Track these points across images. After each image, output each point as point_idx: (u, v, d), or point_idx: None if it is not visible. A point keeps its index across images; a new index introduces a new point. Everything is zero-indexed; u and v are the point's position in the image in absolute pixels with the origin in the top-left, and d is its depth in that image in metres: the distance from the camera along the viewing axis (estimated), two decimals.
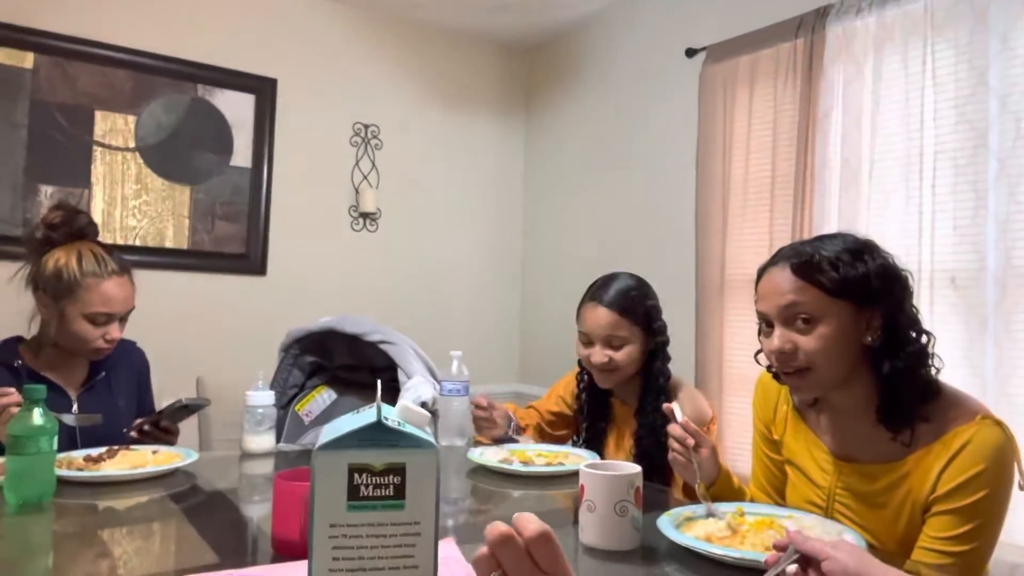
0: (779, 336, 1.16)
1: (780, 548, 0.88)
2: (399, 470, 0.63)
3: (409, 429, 0.65)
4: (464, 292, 3.65)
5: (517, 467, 1.51)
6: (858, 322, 1.14)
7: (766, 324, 1.21)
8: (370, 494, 0.63)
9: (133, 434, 1.67)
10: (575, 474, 1.53)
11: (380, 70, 3.40)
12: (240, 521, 1.28)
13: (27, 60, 2.58)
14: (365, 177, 3.36)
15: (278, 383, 2.23)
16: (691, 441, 1.27)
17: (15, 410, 1.42)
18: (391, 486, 0.63)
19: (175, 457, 1.49)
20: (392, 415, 0.66)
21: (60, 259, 1.66)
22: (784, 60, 2.50)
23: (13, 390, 1.45)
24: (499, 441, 1.76)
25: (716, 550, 1.00)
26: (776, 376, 1.26)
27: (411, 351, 2.19)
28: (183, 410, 1.71)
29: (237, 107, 2.99)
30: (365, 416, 0.67)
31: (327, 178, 3.27)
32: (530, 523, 0.61)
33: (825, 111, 2.36)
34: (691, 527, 1.12)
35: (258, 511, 1.37)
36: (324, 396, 2.35)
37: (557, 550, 0.61)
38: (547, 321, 3.65)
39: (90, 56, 2.68)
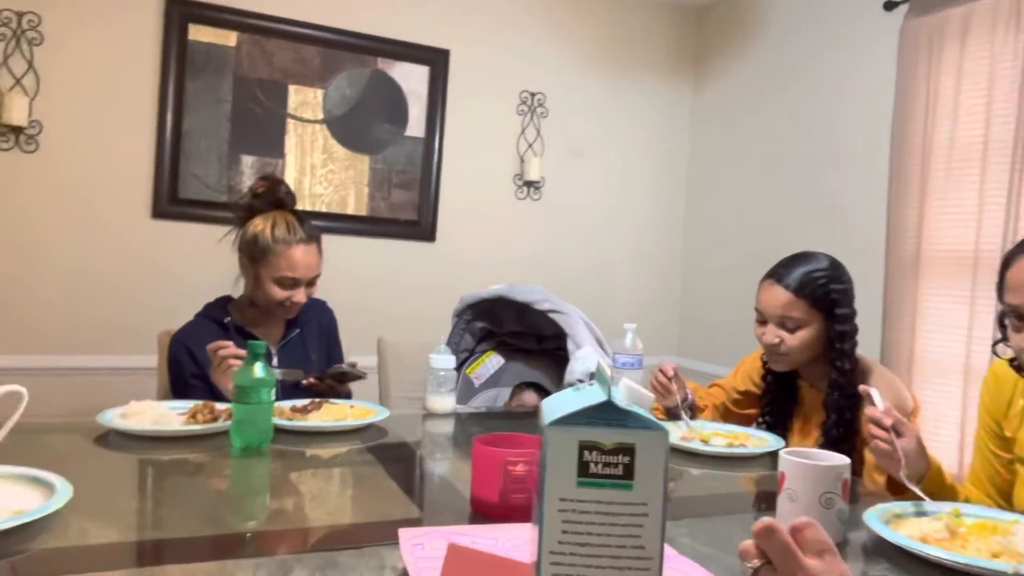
0: None
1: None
2: (628, 450, 0.63)
3: (638, 410, 0.64)
4: (625, 262, 3.61)
5: (697, 446, 1.48)
6: None
7: (1016, 318, 1.09)
8: (599, 472, 0.63)
9: (304, 383, 1.79)
10: (757, 458, 1.49)
11: (547, 37, 3.38)
12: (433, 477, 1.35)
13: (231, 39, 2.81)
14: (530, 145, 3.38)
15: (451, 346, 2.30)
16: (888, 421, 1.18)
17: (234, 362, 1.58)
18: (620, 465, 0.63)
19: (370, 412, 1.60)
20: (619, 395, 0.66)
21: (258, 226, 1.81)
22: (1004, 11, 2.21)
23: (231, 343, 1.61)
24: (669, 412, 1.72)
25: (936, 553, 0.93)
26: (1020, 368, 1.14)
27: (580, 321, 2.20)
28: (343, 375, 1.81)
29: (412, 78, 3.10)
30: (592, 394, 0.67)
31: (494, 147, 3.33)
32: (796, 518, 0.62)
33: None
34: (901, 525, 1.05)
35: (444, 467, 1.44)
36: (493, 361, 2.42)
37: (825, 535, 0.62)
38: (710, 294, 3.53)
39: (284, 33, 2.87)
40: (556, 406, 0.68)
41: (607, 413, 0.64)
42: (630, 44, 3.56)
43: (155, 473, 1.27)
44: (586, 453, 0.63)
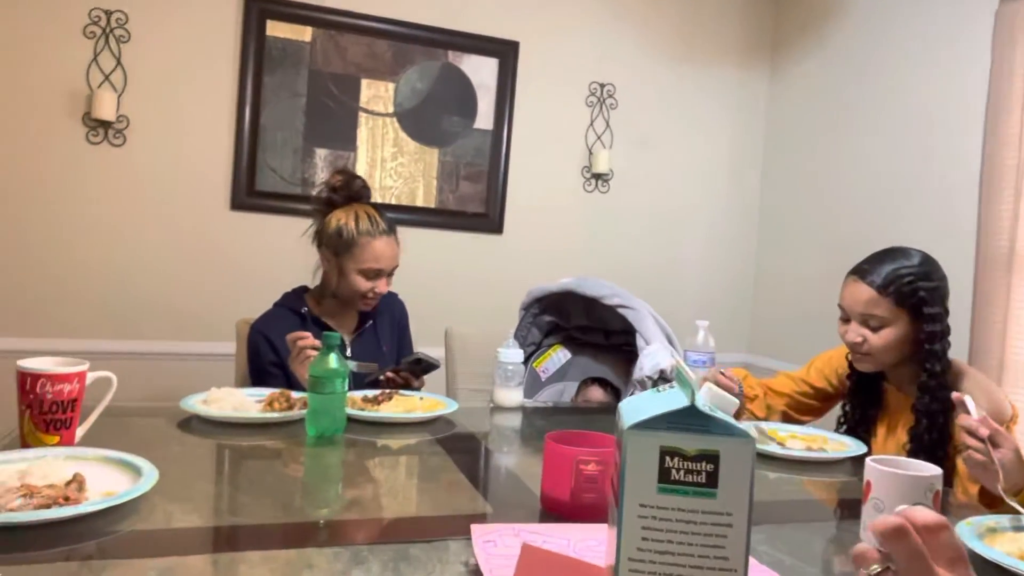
0: None
1: None
2: (712, 457, 0.61)
3: (722, 416, 0.62)
4: (695, 257, 3.53)
5: (773, 449, 1.43)
6: None
7: None
8: (681, 479, 0.61)
9: (382, 378, 1.81)
10: (836, 463, 1.43)
11: (618, 26, 3.33)
12: (502, 472, 1.35)
13: (306, 34, 2.86)
14: (599, 137, 3.34)
15: (518, 340, 2.30)
16: (984, 431, 1.12)
17: (312, 352, 1.61)
18: (703, 473, 0.61)
19: (439, 404, 1.61)
20: (702, 399, 0.64)
21: (340, 219, 1.85)
22: None
23: (309, 334, 1.65)
24: None
25: None
26: None
27: (650, 317, 2.17)
28: (417, 364, 1.82)
29: (482, 71, 3.10)
30: (673, 397, 0.65)
31: (562, 139, 3.30)
32: (924, 513, 0.55)
33: None
34: (996, 540, 0.99)
35: (512, 462, 1.44)
36: (560, 355, 2.41)
37: (959, 541, 0.55)
38: (783, 290, 3.43)
39: (357, 28, 2.91)
40: (636, 409, 0.67)
41: (690, 418, 0.62)
42: (703, 31, 3.47)
43: (235, 458, 1.31)
44: (667, 459, 0.61)
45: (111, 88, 2.63)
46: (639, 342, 2.11)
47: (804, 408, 1.76)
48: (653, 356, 2.05)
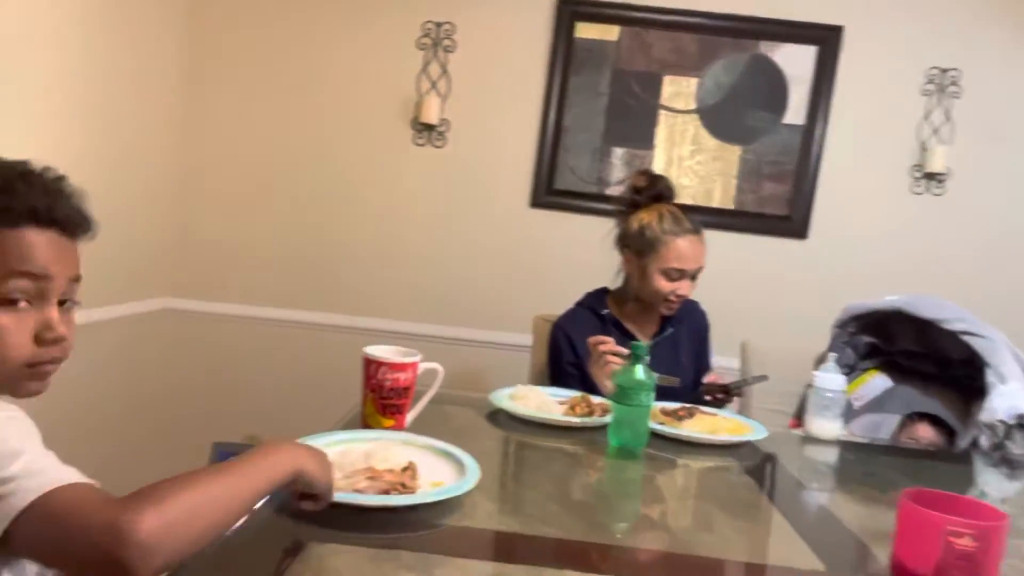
0: None
1: None
2: None
3: None
4: None
5: None
6: None
7: None
8: None
9: (707, 397, 1.73)
10: None
11: (965, 4, 2.83)
12: (829, 522, 1.18)
13: (613, 33, 2.86)
14: (935, 131, 2.88)
15: None
16: None
17: (612, 359, 1.58)
18: None
19: (746, 428, 1.48)
20: None
21: (644, 219, 1.81)
22: None
23: (611, 339, 1.62)
24: None
25: None
26: None
27: (1007, 349, 1.81)
28: (743, 383, 1.75)
29: (796, 61, 2.84)
30: None
31: (887, 134, 2.90)
32: None
33: None
34: None
35: (840, 510, 1.25)
36: (878, 381, 2.11)
37: None
38: None
39: (663, 23, 2.83)
40: None
41: None
42: None
43: (540, 460, 1.32)
44: None
45: (436, 94, 2.87)
46: (989, 377, 1.77)
47: None
48: (1011, 397, 1.71)
